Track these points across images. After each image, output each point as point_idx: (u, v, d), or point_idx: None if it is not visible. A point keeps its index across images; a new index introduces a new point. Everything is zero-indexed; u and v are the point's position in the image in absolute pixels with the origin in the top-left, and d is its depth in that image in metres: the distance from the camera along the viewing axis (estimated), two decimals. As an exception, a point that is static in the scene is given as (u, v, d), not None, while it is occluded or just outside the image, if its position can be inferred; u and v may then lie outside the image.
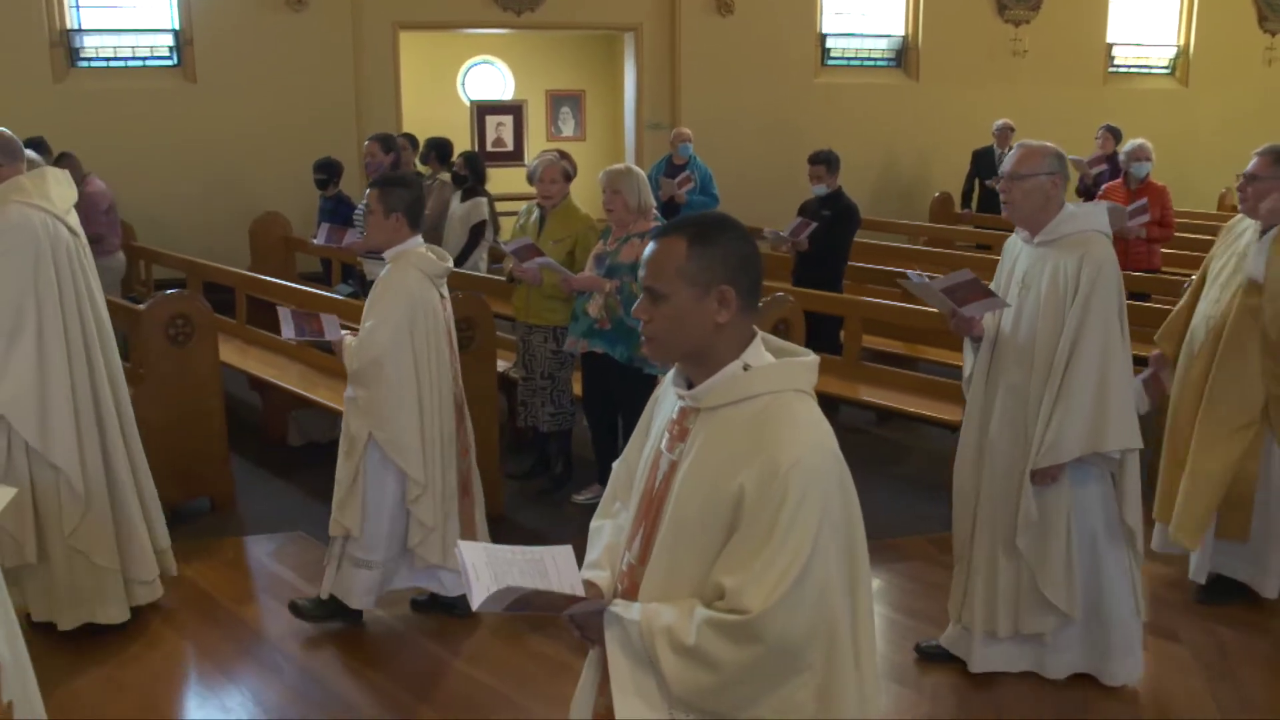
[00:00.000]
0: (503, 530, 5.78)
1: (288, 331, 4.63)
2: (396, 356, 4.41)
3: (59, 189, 4.35)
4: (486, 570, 2.15)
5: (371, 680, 4.39)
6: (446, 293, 4.68)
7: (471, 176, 8.25)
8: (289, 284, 7.54)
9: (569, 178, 6.06)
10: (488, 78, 14.45)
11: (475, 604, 2.11)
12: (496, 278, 7.38)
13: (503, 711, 4.17)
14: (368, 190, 4.42)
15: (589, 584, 2.26)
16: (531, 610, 2.19)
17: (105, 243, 8.39)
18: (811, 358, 2.18)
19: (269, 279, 7.71)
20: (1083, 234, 3.88)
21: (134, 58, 11.14)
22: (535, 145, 13.96)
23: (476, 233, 8.04)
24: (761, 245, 8.96)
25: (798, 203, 7.81)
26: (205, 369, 5.93)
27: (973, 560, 4.19)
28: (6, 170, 4.24)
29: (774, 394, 2.09)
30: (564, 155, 6.13)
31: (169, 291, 6.15)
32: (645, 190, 5.54)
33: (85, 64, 10.96)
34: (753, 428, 2.06)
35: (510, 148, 14.01)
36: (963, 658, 4.28)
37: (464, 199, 8.09)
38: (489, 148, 13.70)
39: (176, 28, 11.03)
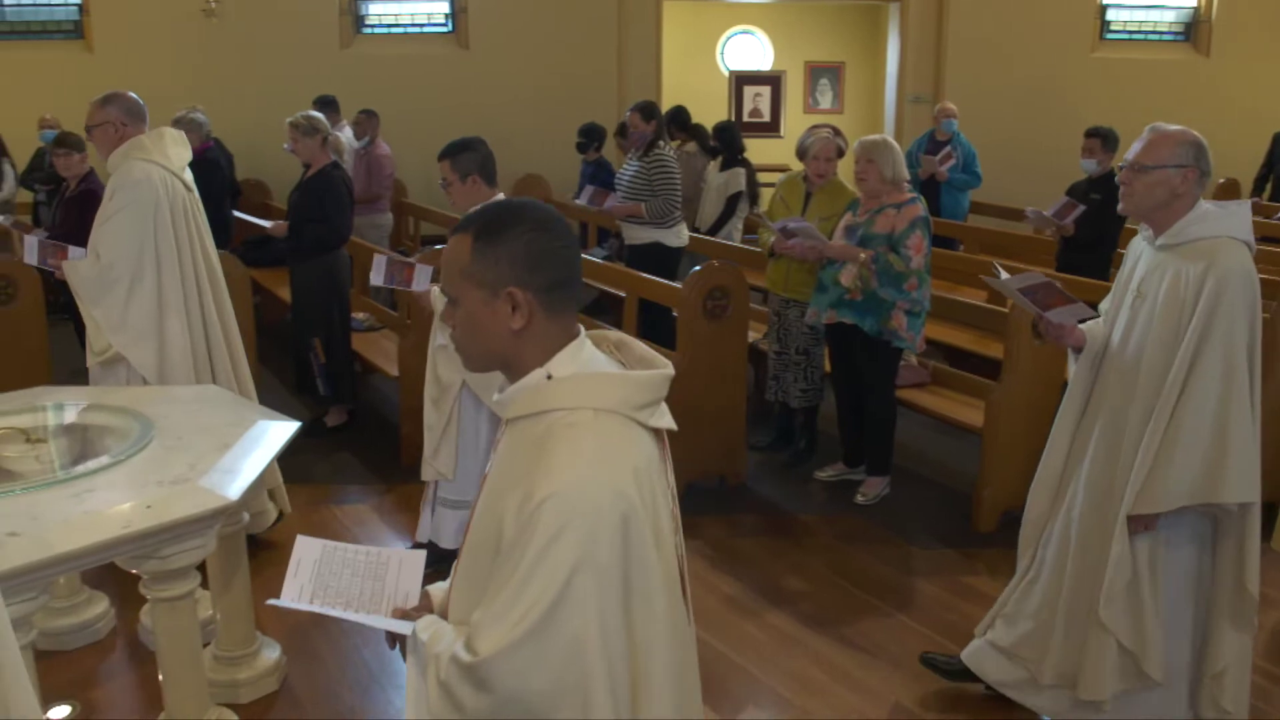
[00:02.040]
0: (743, 501, 5.81)
1: (377, 278, 4.78)
2: None
3: (176, 148, 4.69)
4: (309, 570, 2.08)
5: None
6: None
7: (722, 147, 8.25)
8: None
9: (841, 155, 5.98)
10: (747, 48, 14.37)
11: (280, 600, 2.03)
12: (750, 248, 7.37)
13: (736, 679, 4.19)
14: (439, 162, 4.53)
15: (425, 595, 2.11)
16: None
17: (380, 201, 8.90)
18: (645, 374, 1.89)
19: (529, 239, 7.96)
20: (1214, 240, 3.24)
21: (412, 25, 11.73)
22: (792, 117, 13.83)
23: (732, 203, 8.05)
24: (1023, 227, 8.62)
25: (1065, 185, 7.42)
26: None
27: (1045, 597, 3.68)
28: (130, 130, 4.60)
29: (567, 411, 1.81)
30: (837, 132, 6.04)
31: (436, 246, 6.45)
32: (900, 162, 5.43)
33: (369, 30, 11.62)
34: (533, 448, 1.80)
35: (767, 119, 13.93)
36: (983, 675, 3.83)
37: (723, 169, 8.12)
38: (745, 118, 13.67)
39: (453, -4, 11.55)
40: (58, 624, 4.24)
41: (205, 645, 3.87)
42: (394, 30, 11.67)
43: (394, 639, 2.00)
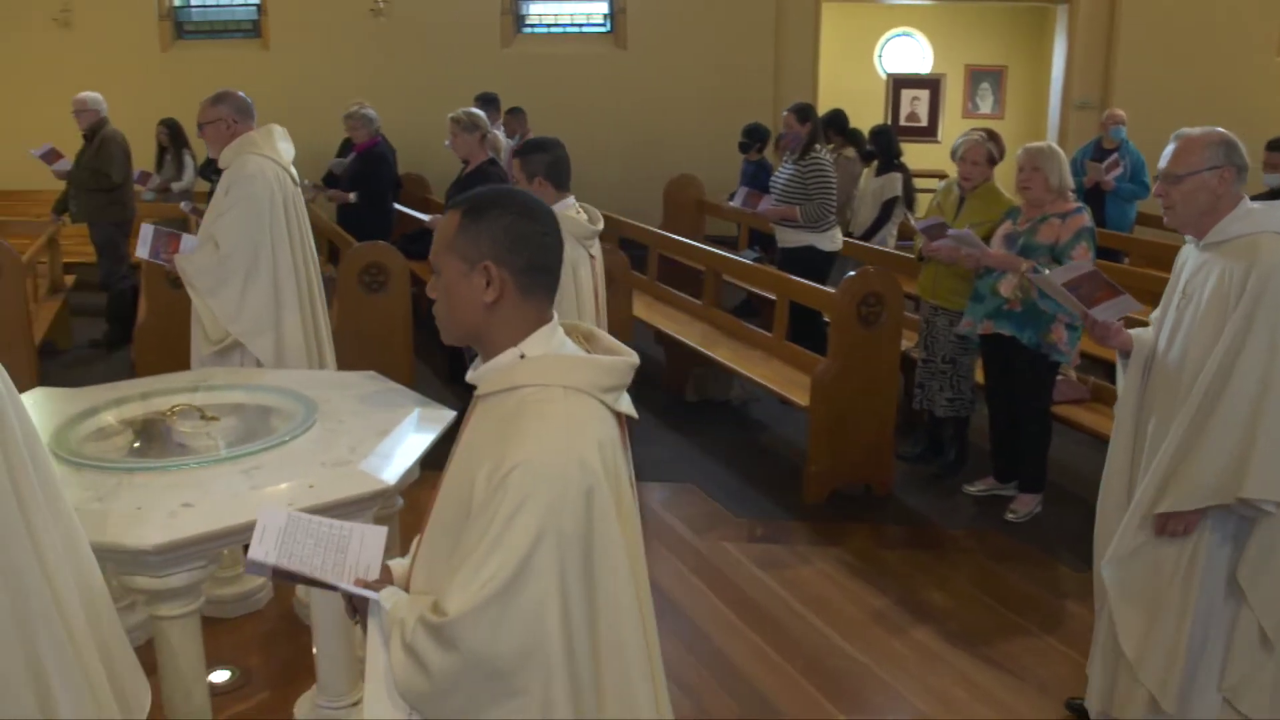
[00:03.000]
0: (889, 511, 5.71)
1: None
2: None
3: (284, 144, 4.85)
4: (274, 536, 2.16)
5: (748, 637, 4.48)
6: (597, 252, 4.67)
7: (878, 151, 8.13)
8: (698, 244, 7.78)
9: (993, 161, 5.79)
10: (906, 50, 14.10)
11: (245, 565, 2.14)
12: (904, 254, 7.23)
13: (875, 690, 4.13)
14: (511, 161, 4.52)
15: (385, 569, 2.16)
16: (299, 583, 2.18)
17: (527, 195, 9.07)
18: (611, 359, 1.99)
19: (680, 239, 7.99)
20: (1256, 235, 3.16)
21: (571, 25, 11.91)
22: (950, 122, 13.53)
23: (888, 208, 7.93)
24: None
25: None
26: (619, 319, 6.25)
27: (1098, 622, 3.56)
28: (240, 127, 4.76)
29: (539, 387, 1.91)
30: (992, 136, 5.85)
31: (591, 244, 6.51)
32: (1066, 171, 5.26)
33: (529, 30, 11.86)
34: (504, 421, 1.90)
35: (924, 123, 13.65)
36: None
37: (879, 173, 8.00)
38: (902, 122, 13.44)
39: (612, -4, 11.69)
40: (221, 593, 4.45)
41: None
42: (554, 30, 11.88)
43: (353, 609, 2.07)
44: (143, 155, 9.29)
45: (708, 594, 4.83)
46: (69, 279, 9.20)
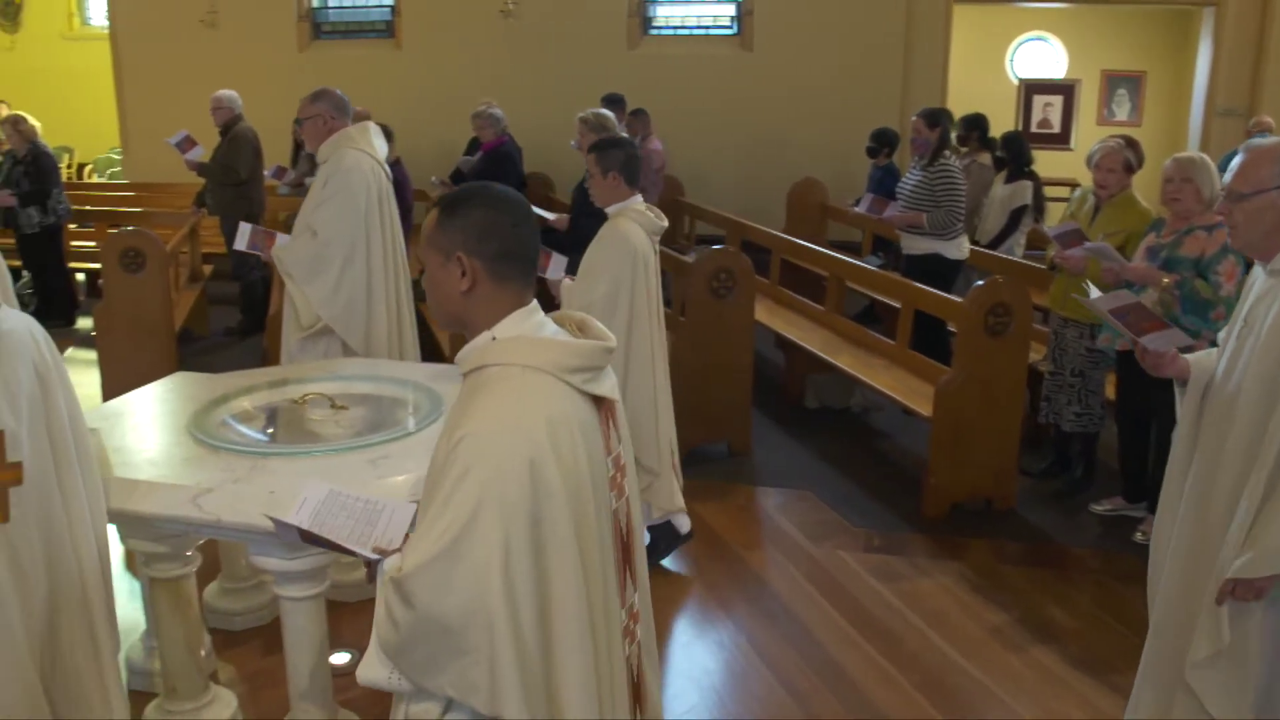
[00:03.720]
0: (1010, 527, 5.57)
1: None
2: (609, 306, 4.53)
3: (379, 140, 5.04)
4: (311, 509, 2.36)
5: (862, 647, 4.41)
6: (657, 248, 4.76)
7: (1009, 158, 7.92)
8: (821, 249, 7.70)
9: (1130, 169, 5.58)
10: (1039, 54, 13.74)
11: (276, 529, 2.42)
12: (1033, 264, 7.05)
13: (992, 710, 4.02)
14: (587, 155, 4.66)
15: (407, 540, 2.25)
16: (323, 547, 2.35)
17: (646, 195, 9.06)
18: (580, 341, 2.09)
19: (803, 243, 7.92)
20: None
21: (698, 27, 11.91)
22: (1084, 129, 13.14)
23: (1016, 216, 7.73)
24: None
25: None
26: (740, 323, 6.23)
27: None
28: (337, 123, 4.96)
29: (501, 366, 2.02)
30: (1130, 143, 5.64)
31: (715, 247, 6.50)
32: (1217, 182, 5.02)
33: (656, 32, 11.89)
34: (467, 397, 2.04)
35: (1056, 129, 13.29)
36: None
37: (1009, 181, 7.79)
38: (1033, 128, 13.10)
39: (739, -1, 11.64)
40: (344, 578, 4.55)
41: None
42: (680, 32, 11.89)
43: (372, 576, 2.20)
44: (280, 151, 9.59)
45: (821, 602, 4.77)
46: (207, 269, 9.57)
